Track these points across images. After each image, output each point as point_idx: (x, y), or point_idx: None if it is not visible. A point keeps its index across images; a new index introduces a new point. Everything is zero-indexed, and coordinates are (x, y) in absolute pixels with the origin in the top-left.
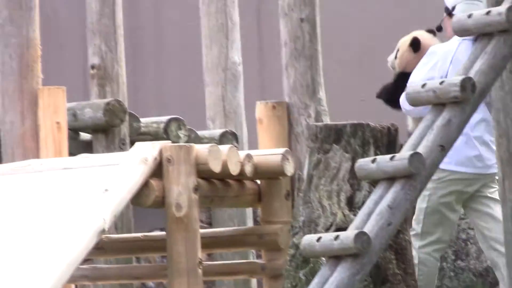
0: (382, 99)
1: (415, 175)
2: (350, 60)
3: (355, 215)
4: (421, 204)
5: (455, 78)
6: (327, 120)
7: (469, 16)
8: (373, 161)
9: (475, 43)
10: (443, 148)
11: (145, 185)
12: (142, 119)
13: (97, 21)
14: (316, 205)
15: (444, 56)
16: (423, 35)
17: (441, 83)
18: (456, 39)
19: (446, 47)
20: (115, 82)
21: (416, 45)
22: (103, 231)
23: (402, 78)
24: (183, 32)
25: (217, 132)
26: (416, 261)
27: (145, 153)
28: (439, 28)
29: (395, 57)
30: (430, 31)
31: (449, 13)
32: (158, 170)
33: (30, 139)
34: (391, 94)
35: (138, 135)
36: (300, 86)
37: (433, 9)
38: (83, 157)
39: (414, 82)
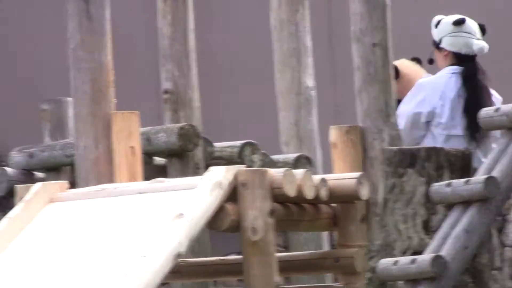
0: None
1: (490, 199)
2: None
3: (431, 238)
4: None
5: None
6: (401, 144)
7: None
8: (448, 185)
9: None
10: None
11: (220, 209)
12: (216, 144)
13: (170, 46)
14: (392, 229)
15: (432, 90)
16: (403, 63)
17: None
18: (445, 72)
19: (434, 81)
20: (188, 106)
21: (394, 73)
22: (179, 255)
23: None
24: (256, 56)
25: (291, 156)
26: None
27: (219, 178)
28: (431, 61)
29: None
30: (414, 59)
31: (437, 46)
32: (233, 195)
33: (104, 164)
34: None
35: (212, 160)
36: (374, 111)
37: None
38: (158, 182)
39: (408, 113)
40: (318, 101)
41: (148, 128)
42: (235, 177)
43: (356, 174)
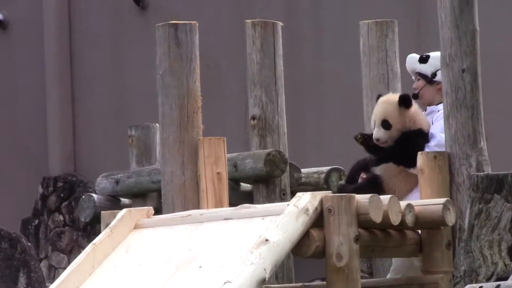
0: (405, 166)
1: None
2: (511, 110)
3: None
4: None
5: None
6: (488, 170)
7: None
8: None
9: None
10: None
11: (306, 235)
12: (302, 170)
13: (258, 72)
14: (477, 255)
15: None
16: (396, 95)
17: None
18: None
19: None
20: (275, 132)
21: (407, 101)
22: (263, 281)
23: (417, 135)
24: (344, 82)
25: None
26: None
27: (306, 204)
28: (416, 96)
29: (386, 128)
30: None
31: (429, 80)
32: (319, 220)
33: (190, 190)
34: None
35: (299, 186)
36: (461, 136)
37: None
38: (244, 208)
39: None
40: None
41: (235, 154)
42: (321, 203)
43: (442, 200)
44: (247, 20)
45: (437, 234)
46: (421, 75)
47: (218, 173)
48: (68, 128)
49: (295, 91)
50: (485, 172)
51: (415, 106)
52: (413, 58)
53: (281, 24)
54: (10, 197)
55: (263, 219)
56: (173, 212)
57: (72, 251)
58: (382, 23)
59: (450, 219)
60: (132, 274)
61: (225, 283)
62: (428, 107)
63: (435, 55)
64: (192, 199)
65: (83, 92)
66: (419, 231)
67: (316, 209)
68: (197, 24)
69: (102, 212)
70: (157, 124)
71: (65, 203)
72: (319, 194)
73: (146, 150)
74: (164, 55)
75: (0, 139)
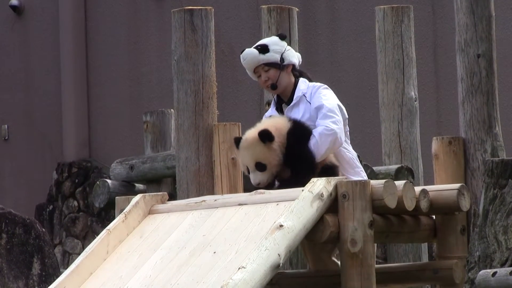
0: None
1: None
2: None
3: None
4: None
5: None
6: (503, 155)
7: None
8: None
9: None
10: None
11: (321, 221)
12: None
13: None
14: (492, 240)
15: None
16: (253, 132)
17: None
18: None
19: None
20: None
21: (269, 135)
22: (277, 267)
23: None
24: (359, 67)
25: (393, 167)
26: None
27: (320, 189)
28: (274, 86)
29: (262, 169)
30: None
31: (281, 66)
32: (333, 206)
33: (205, 175)
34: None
35: None
36: (476, 122)
37: None
38: (258, 193)
39: (339, 104)
40: (420, 112)
41: None
42: (336, 188)
43: (457, 185)
44: (263, 6)
45: (452, 220)
46: (270, 65)
47: (232, 158)
48: (83, 114)
49: (311, 77)
50: (500, 158)
51: (274, 127)
52: (252, 52)
53: (297, 9)
54: (25, 183)
55: (277, 204)
56: (188, 197)
57: (87, 236)
58: (397, 9)
59: (465, 204)
60: (146, 259)
61: (239, 268)
62: (294, 97)
63: (271, 41)
64: (206, 185)
65: (98, 78)
66: (434, 217)
67: (330, 194)
68: (213, 9)
69: (116, 197)
70: (172, 110)
71: (80, 188)
72: (334, 180)
73: (161, 135)
74: (180, 41)
75: (16, 125)
